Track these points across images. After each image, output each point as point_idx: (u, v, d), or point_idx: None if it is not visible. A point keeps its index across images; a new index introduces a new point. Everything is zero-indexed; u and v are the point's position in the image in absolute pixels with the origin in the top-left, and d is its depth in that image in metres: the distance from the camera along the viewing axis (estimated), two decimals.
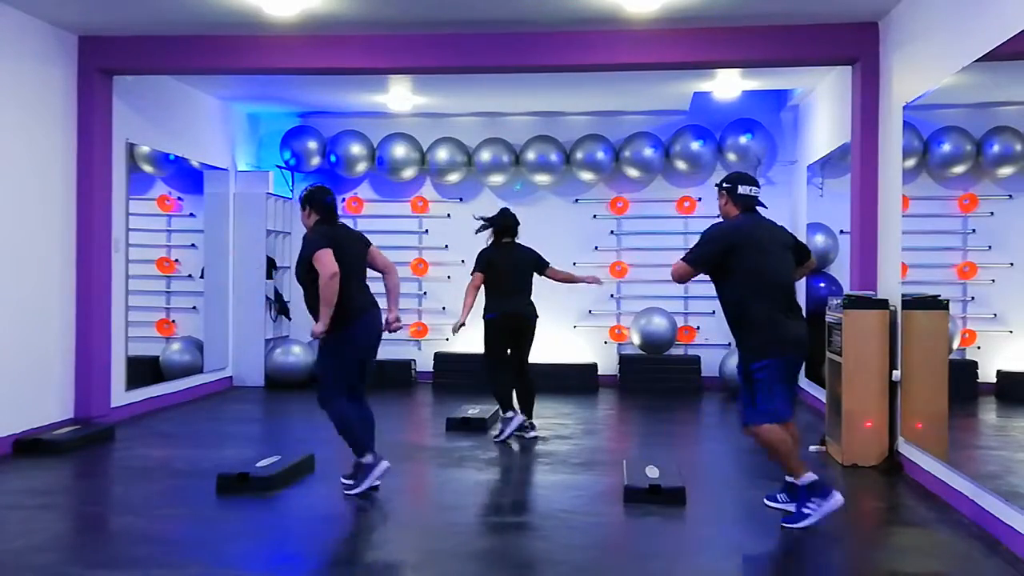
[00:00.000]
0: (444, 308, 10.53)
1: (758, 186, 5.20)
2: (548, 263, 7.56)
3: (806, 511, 4.87)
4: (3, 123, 6.82)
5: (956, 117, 6.56)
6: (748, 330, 4.93)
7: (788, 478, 5.03)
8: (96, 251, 7.70)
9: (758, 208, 5.12)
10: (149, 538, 4.86)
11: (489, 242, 7.53)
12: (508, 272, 7.35)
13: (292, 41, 7.53)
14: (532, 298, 7.44)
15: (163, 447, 7.19)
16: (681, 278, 5.13)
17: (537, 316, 7.46)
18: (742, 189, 5.13)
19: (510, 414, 7.33)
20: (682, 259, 5.05)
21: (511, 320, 7.34)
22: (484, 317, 7.36)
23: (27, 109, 7.07)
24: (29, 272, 7.10)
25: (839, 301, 6.64)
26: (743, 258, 4.92)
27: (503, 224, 7.46)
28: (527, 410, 7.49)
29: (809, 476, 4.89)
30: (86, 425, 7.37)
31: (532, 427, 7.46)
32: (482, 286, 7.34)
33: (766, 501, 5.21)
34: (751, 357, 4.91)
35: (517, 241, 7.53)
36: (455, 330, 7.34)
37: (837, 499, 4.89)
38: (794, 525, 4.86)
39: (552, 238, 10.68)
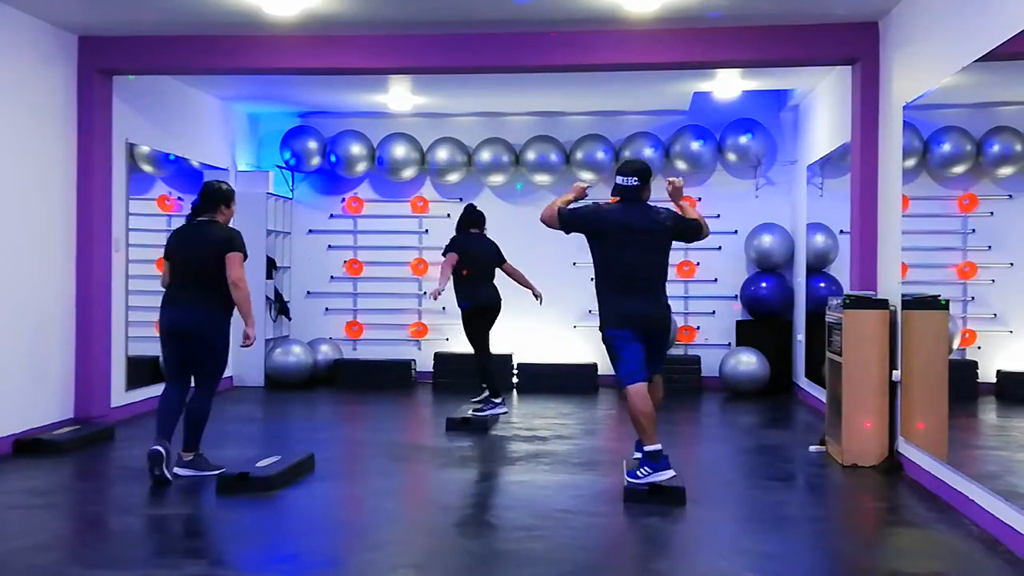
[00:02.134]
0: (444, 308, 10.51)
1: (635, 175, 5.63)
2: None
3: (639, 473, 5.44)
4: (3, 123, 6.82)
5: (956, 117, 6.56)
6: (600, 304, 5.72)
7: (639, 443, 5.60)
8: (96, 251, 7.70)
9: (635, 198, 5.62)
10: (149, 538, 4.87)
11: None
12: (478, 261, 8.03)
13: (292, 41, 7.53)
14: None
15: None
16: (549, 220, 5.68)
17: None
18: (618, 180, 5.70)
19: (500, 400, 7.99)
20: (559, 208, 5.65)
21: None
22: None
23: (27, 109, 7.07)
24: (29, 272, 7.10)
25: (839, 301, 6.63)
26: (601, 245, 5.63)
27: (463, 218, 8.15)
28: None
29: (654, 446, 5.43)
30: (86, 425, 7.37)
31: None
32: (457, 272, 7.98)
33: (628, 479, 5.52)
34: (601, 325, 5.67)
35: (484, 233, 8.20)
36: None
37: (668, 474, 5.40)
38: (631, 480, 5.45)
39: (552, 238, 10.66)
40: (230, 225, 6.09)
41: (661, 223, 5.67)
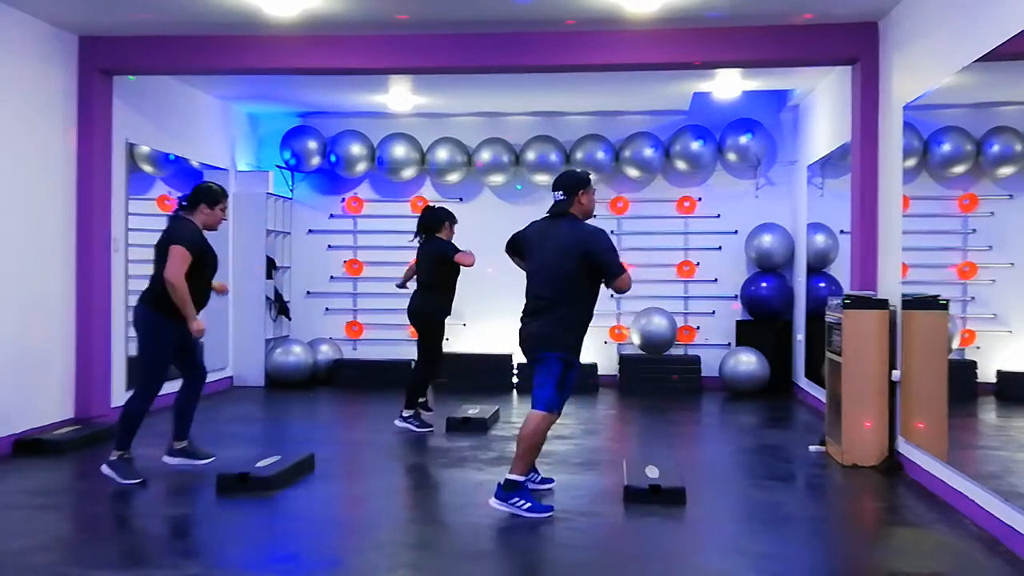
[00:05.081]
0: None
1: (559, 189, 5.24)
2: (453, 252, 7.56)
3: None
4: (3, 123, 6.82)
5: (956, 117, 6.56)
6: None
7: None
8: (96, 251, 7.70)
9: (560, 213, 5.24)
10: (149, 538, 4.86)
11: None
12: (419, 268, 7.79)
13: (292, 41, 7.53)
14: (432, 293, 7.69)
15: (163, 447, 7.17)
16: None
17: (424, 312, 7.74)
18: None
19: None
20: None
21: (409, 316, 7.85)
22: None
23: (27, 109, 7.07)
24: (29, 272, 7.10)
25: (839, 301, 6.63)
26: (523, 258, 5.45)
27: (420, 223, 7.78)
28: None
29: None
30: (86, 425, 7.37)
31: (400, 416, 7.80)
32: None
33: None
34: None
35: (437, 236, 7.69)
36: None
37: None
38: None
39: None
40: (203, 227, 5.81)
41: (573, 245, 5.13)
